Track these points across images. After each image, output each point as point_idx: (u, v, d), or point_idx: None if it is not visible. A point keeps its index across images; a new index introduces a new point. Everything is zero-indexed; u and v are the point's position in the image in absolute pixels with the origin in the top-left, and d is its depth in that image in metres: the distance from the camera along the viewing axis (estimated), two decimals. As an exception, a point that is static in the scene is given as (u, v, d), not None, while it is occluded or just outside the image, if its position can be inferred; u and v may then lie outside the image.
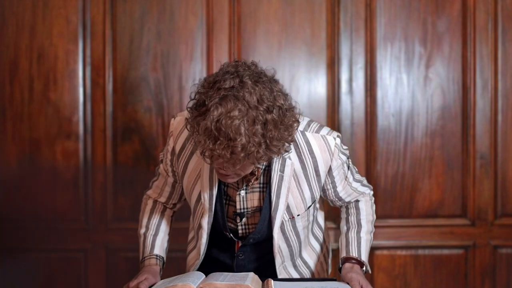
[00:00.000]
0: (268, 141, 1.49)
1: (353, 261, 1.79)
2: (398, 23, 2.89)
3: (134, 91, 2.86)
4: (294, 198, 1.74)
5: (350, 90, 2.88)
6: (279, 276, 1.82)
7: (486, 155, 2.90)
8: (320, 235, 1.97)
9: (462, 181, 2.91)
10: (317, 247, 1.95)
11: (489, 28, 2.89)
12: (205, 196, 1.74)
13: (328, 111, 2.89)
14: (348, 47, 2.88)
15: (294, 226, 1.79)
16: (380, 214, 2.87)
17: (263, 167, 1.72)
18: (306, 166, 1.72)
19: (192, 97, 1.55)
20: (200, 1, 2.85)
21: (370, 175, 2.89)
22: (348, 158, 1.82)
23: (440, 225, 2.92)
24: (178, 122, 1.79)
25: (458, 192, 2.92)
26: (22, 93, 2.86)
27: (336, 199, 1.88)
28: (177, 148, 1.78)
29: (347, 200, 1.89)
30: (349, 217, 1.90)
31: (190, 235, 1.97)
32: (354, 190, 1.88)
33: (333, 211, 2.73)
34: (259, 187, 1.74)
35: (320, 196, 1.87)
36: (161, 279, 1.75)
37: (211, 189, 1.73)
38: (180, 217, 2.07)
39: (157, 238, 1.88)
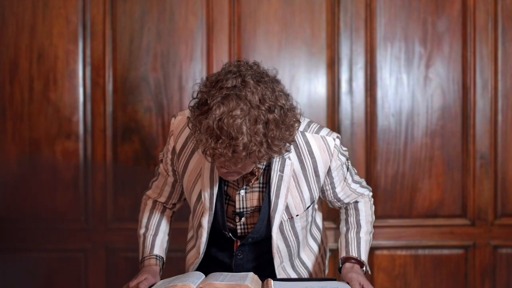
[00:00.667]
0: (269, 140, 1.49)
1: (353, 261, 1.80)
2: (398, 23, 2.89)
3: (134, 91, 2.86)
4: (293, 198, 1.74)
5: (350, 90, 2.88)
6: (278, 276, 1.82)
7: (486, 155, 2.90)
8: (318, 235, 1.97)
9: (462, 181, 2.91)
10: (315, 247, 1.95)
11: (489, 28, 2.89)
12: (206, 195, 1.74)
13: (328, 111, 2.89)
14: (348, 47, 2.88)
15: (293, 226, 1.79)
16: (380, 214, 2.88)
17: (263, 167, 1.72)
18: (306, 166, 1.73)
19: (194, 96, 1.56)
20: (200, 1, 2.86)
21: (370, 175, 2.89)
22: (347, 160, 1.82)
23: (440, 225, 2.92)
24: (178, 121, 1.79)
25: (458, 192, 2.92)
26: (22, 93, 2.86)
27: (335, 200, 1.88)
28: (178, 147, 1.79)
29: (346, 201, 1.90)
30: (349, 218, 1.91)
31: (190, 234, 1.98)
32: (353, 191, 1.88)
33: (333, 211, 2.73)
34: (259, 187, 1.75)
35: (319, 197, 1.88)
36: (161, 279, 1.75)
37: (211, 188, 1.73)
38: (180, 217, 2.07)
39: (156, 238, 1.88)
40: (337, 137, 1.76)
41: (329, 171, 1.76)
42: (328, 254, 2.08)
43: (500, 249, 2.94)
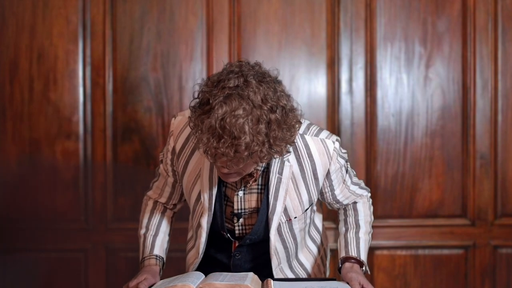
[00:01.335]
0: (271, 140, 1.49)
1: (353, 260, 1.80)
2: (398, 23, 2.89)
3: (134, 91, 2.86)
4: (291, 200, 1.74)
5: (350, 90, 2.88)
6: (275, 277, 1.82)
7: (486, 155, 2.90)
8: (317, 237, 1.97)
9: (462, 181, 2.91)
10: (314, 249, 1.95)
11: (489, 28, 2.89)
12: (205, 196, 1.74)
13: (328, 111, 2.89)
14: (348, 47, 2.88)
15: (291, 228, 1.79)
16: (380, 214, 2.88)
17: (262, 169, 1.72)
18: (305, 169, 1.73)
19: (195, 96, 1.56)
20: (200, 1, 2.86)
21: (370, 175, 2.89)
22: (346, 162, 1.82)
23: (440, 225, 2.92)
24: (178, 121, 1.79)
25: (458, 192, 2.92)
26: (22, 93, 2.86)
27: (334, 202, 1.88)
28: (178, 148, 1.79)
29: (345, 202, 1.90)
30: (348, 218, 1.91)
31: (189, 234, 1.98)
32: (352, 193, 1.89)
33: (333, 211, 2.72)
34: (257, 189, 1.74)
35: (318, 199, 1.88)
36: (161, 279, 1.75)
37: (211, 189, 1.73)
38: (180, 217, 2.07)
39: (157, 238, 1.88)
40: (337, 140, 1.76)
41: (328, 174, 1.76)
42: (328, 256, 2.07)
43: (500, 249, 2.94)
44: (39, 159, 2.86)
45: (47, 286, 2.89)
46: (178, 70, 2.86)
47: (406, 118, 2.90)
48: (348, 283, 1.70)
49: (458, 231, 2.93)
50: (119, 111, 2.86)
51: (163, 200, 1.94)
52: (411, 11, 2.89)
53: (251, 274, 1.67)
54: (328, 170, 1.75)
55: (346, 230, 1.88)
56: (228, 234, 1.80)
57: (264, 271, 1.80)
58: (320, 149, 1.73)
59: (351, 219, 1.90)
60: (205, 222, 1.77)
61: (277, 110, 1.50)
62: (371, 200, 1.96)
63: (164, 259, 1.88)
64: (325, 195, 1.84)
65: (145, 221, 1.93)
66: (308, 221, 1.85)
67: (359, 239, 1.84)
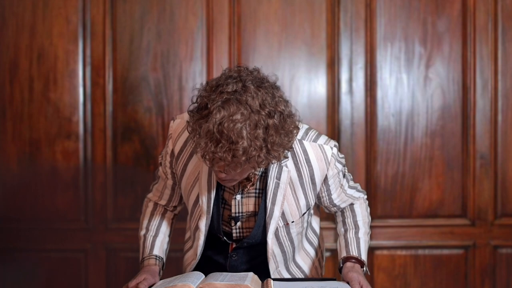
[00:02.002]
0: (269, 145, 1.50)
1: (354, 260, 1.80)
2: (398, 23, 2.89)
3: (134, 91, 2.86)
4: (289, 205, 1.74)
5: (350, 90, 2.88)
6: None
7: (486, 155, 2.90)
8: (314, 240, 1.97)
9: (462, 181, 2.91)
10: (311, 251, 1.96)
11: (489, 28, 2.89)
12: (203, 199, 1.74)
13: (328, 111, 2.89)
14: (348, 47, 2.88)
15: (288, 232, 1.80)
16: (380, 214, 2.88)
17: (260, 173, 1.72)
18: (302, 174, 1.73)
19: (194, 100, 1.56)
20: (200, 1, 2.85)
21: (370, 175, 2.89)
22: (344, 166, 1.83)
23: (440, 225, 2.92)
24: (177, 124, 1.79)
25: (458, 192, 2.92)
26: (22, 93, 2.86)
27: (331, 206, 1.89)
28: (176, 150, 1.79)
29: (342, 206, 1.91)
30: (346, 219, 1.91)
31: (187, 235, 1.98)
32: (349, 196, 1.90)
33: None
34: (255, 193, 1.75)
35: (315, 202, 1.88)
36: (161, 279, 1.75)
37: (209, 192, 1.73)
38: (180, 217, 2.07)
39: (156, 239, 1.89)
40: (335, 145, 1.76)
41: (325, 179, 1.77)
42: (325, 257, 2.08)
43: (500, 249, 2.94)
44: (39, 159, 2.86)
45: (47, 286, 2.89)
46: (178, 70, 2.86)
47: (406, 118, 2.90)
48: (348, 283, 1.70)
49: (458, 231, 2.93)
50: (119, 111, 2.86)
51: (163, 202, 1.94)
52: (411, 11, 2.89)
53: (251, 274, 1.67)
54: (326, 175, 1.75)
55: (346, 230, 1.89)
56: (225, 237, 1.80)
57: (261, 273, 1.80)
58: (318, 154, 1.73)
59: (349, 220, 1.90)
60: (203, 225, 1.77)
61: (275, 116, 1.50)
62: (367, 201, 1.97)
63: (164, 259, 1.88)
64: (322, 199, 1.85)
65: (145, 222, 1.93)
66: (305, 224, 1.86)
67: (359, 239, 1.85)
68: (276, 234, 1.77)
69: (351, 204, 1.92)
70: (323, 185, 1.78)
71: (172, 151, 1.80)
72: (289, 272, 1.88)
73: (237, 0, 2.86)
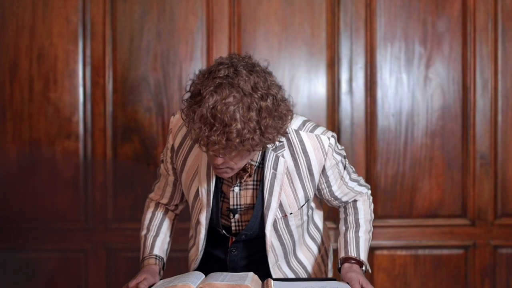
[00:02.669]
0: (262, 128, 1.51)
1: (352, 261, 1.79)
2: (398, 23, 2.89)
3: (134, 91, 2.86)
4: (287, 196, 1.74)
5: (350, 90, 2.88)
6: (273, 275, 1.82)
7: (486, 155, 2.90)
8: (317, 235, 1.96)
9: (462, 181, 2.91)
10: (313, 247, 1.94)
11: (489, 28, 2.89)
12: (203, 192, 1.75)
13: (328, 111, 2.89)
14: (348, 47, 2.88)
15: (287, 225, 1.79)
16: (380, 214, 2.88)
17: (257, 164, 1.72)
18: (300, 164, 1.73)
19: (187, 89, 1.58)
20: (200, 1, 2.86)
21: (370, 175, 2.89)
22: (344, 158, 1.82)
23: (440, 225, 2.92)
24: (177, 119, 1.81)
25: (458, 192, 2.92)
26: (22, 93, 2.86)
27: (332, 199, 1.88)
28: (176, 145, 1.80)
29: (344, 199, 1.89)
30: (347, 217, 1.91)
31: (191, 232, 1.98)
32: (351, 189, 1.88)
33: (333, 211, 2.73)
34: (253, 184, 1.75)
35: (317, 196, 1.87)
36: (162, 279, 1.75)
37: (208, 184, 1.74)
38: (182, 217, 2.07)
39: (157, 239, 1.89)
40: (332, 136, 1.75)
41: (323, 170, 1.76)
42: (331, 255, 2.06)
43: (500, 249, 2.94)
44: (39, 159, 2.86)
45: (47, 286, 2.89)
46: (178, 70, 2.86)
47: (406, 118, 2.90)
48: (348, 283, 1.70)
49: (458, 231, 2.93)
50: (119, 111, 2.87)
51: (164, 201, 1.94)
52: (411, 11, 2.89)
53: (251, 274, 1.67)
54: (324, 166, 1.75)
55: (346, 229, 1.88)
56: (224, 231, 1.80)
57: (261, 268, 1.80)
58: (315, 144, 1.73)
59: (351, 218, 1.89)
60: (203, 219, 1.77)
61: (268, 99, 1.52)
62: (371, 197, 1.95)
63: (165, 259, 1.88)
64: (322, 192, 1.84)
65: (146, 222, 1.94)
66: (305, 218, 1.85)
67: (359, 238, 1.84)
68: (275, 226, 1.77)
69: (354, 201, 1.91)
70: (322, 176, 1.77)
71: (172, 146, 1.81)
72: (290, 267, 1.88)
73: (237, 0, 2.86)
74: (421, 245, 2.93)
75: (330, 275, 2.03)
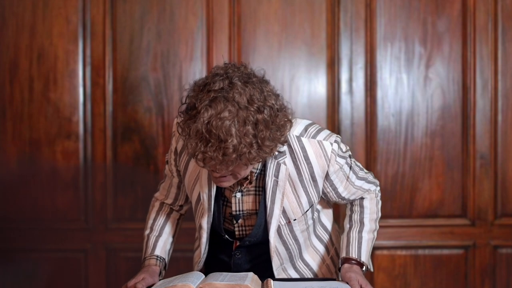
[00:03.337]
0: (259, 141, 1.48)
1: (353, 261, 1.78)
2: (398, 23, 2.89)
3: (134, 91, 2.86)
4: (290, 203, 1.72)
5: (350, 90, 2.88)
6: (278, 277, 1.81)
7: (486, 155, 2.90)
8: (325, 236, 1.93)
9: (462, 181, 2.91)
10: (321, 248, 1.91)
11: (489, 28, 2.89)
12: (204, 197, 1.74)
13: (328, 111, 2.89)
14: (348, 47, 2.88)
15: (292, 230, 1.78)
16: (380, 214, 2.87)
17: (257, 171, 1.71)
18: (302, 171, 1.70)
19: (183, 101, 1.56)
20: (200, 1, 2.86)
21: (370, 175, 2.89)
22: (350, 158, 1.79)
23: (440, 225, 2.92)
24: None
25: (458, 192, 2.92)
26: (22, 93, 2.86)
27: (339, 200, 1.84)
28: (179, 148, 1.79)
29: (351, 198, 1.86)
30: (353, 214, 1.87)
31: (196, 234, 1.98)
32: (358, 188, 1.84)
33: (336, 211, 2.72)
34: (255, 190, 1.74)
35: (323, 198, 1.85)
36: (161, 279, 1.75)
37: (209, 189, 1.73)
38: (186, 217, 2.07)
39: (159, 239, 1.88)
40: (335, 141, 1.72)
41: (327, 176, 1.73)
42: None
43: (500, 249, 2.94)
44: (39, 159, 2.86)
45: (47, 286, 2.89)
46: (178, 70, 2.86)
47: (406, 118, 2.90)
48: (347, 283, 1.69)
49: (458, 231, 2.93)
50: (119, 111, 2.87)
51: (169, 201, 1.94)
52: (411, 11, 2.89)
53: (251, 274, 1.67)
54: (327, 172, 1.72)
55: (350, 227, 1.85)
56: (226, 235, 1.80)
57: (266, 271, 1.79)
58: (317, 151, 1.70)
59: (355, 216, 1.86)
60: (205, 223, 1.77)
61: (265, 110, 1.49)
62: (379, 194, 1.91)
63: (166, 260, 1.87)
64: (328, 195, 1.81)
65: (150, 221, 1.93)
66: (310, 222, 1.83)
67: (361, 238, 1.81)
68: (279, 233, 1.76)
69: (361, 199, 1.87)
70: (326, 181, 1.75)
71: (176, 149, 1.80)
72: (296, 270, 1.86)
73: (237, 0, 2.86)
74: (421, 245, 2.93)
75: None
